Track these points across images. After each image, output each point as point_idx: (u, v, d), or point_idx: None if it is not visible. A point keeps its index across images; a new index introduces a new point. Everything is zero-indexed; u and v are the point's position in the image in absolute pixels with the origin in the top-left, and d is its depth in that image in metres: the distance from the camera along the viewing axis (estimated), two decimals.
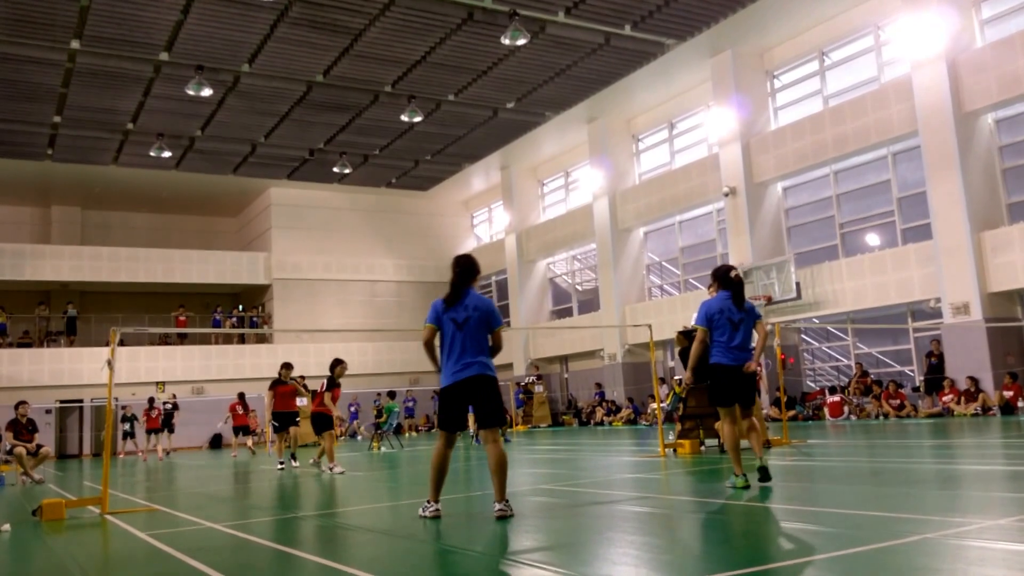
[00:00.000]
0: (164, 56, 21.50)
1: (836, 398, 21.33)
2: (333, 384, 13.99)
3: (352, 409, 32.37)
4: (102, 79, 22.65)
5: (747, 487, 7.17)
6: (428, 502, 6.60)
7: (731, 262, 24.57)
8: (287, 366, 16.05)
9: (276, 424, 15.79)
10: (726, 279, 7.69)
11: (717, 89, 25.08)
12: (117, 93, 23.71)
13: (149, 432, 24.52)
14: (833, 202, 23.28)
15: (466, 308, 6.46)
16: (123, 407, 27.14)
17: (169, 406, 25.48)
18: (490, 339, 6.55)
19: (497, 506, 6.39)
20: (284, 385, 15.76)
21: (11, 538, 7.21)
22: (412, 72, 23.31)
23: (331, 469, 12.94)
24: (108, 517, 8.33)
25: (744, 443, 8.81)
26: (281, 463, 15.10)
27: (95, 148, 28.29)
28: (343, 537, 6.50)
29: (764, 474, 7.28)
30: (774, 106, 25.12)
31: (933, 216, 19.79)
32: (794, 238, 24.59)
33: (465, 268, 6.60)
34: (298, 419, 15.96)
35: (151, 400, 25.35)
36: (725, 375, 7.46)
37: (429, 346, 6.62)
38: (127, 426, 26.37)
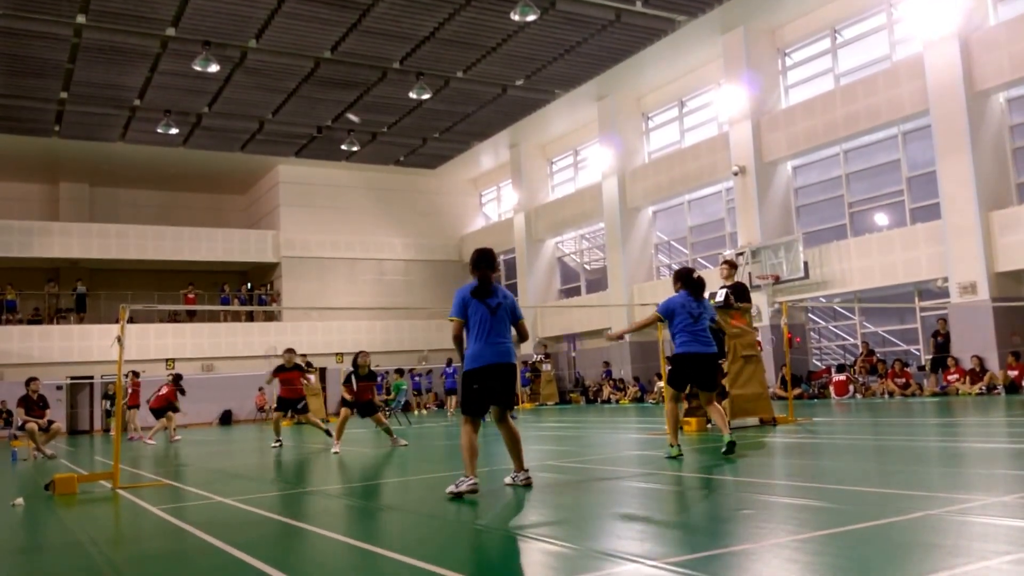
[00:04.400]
0: (171, 31, 21.47)
1: (842, 377, 21.35)
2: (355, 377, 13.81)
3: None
4: (109, 54, 22.64)
5: (680, 456, 8.29)
6: (465, 478, 6.50)
7: (739, 241, 24.57)
8: (290, 351, 15.97)
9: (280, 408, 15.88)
10: (688, 280, 8.65)
11: (728, 67, 24.94)
12: (124, 69, 23.69)
13: (130, 408, 21.94)
14: (842, 181, 23.19)
15: (496, 295, 6.77)
16: (106, 384, 26.79)
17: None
18: (514, 330, 6.90)
19: (521, 475, 6.89)
20: (287, 371, 15.64)
21: (24, 512, 7.30)
22: (420, 48, 23.23)
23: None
24: (120, 491, 8.42)
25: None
26: (278, 441, 14.95)
27: (102, 124, 28.31)
28: (351, 511, 6.56)
29: (730, 448, 8.22)
30: (785, 84, 24.97)
31: (942, 196, 19.71)
32: (803, 217, 24.51)
33: (491, 259, 6.87)
34: (303, 403, 15.94)
35: (134, 374, 22.66)
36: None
37: (459, 340, 6.80)
38: (108, 404, 26.07)
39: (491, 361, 6.63)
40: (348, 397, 13.60)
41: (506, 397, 6.82)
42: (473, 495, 6.40)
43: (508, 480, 6.99)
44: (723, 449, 8.21)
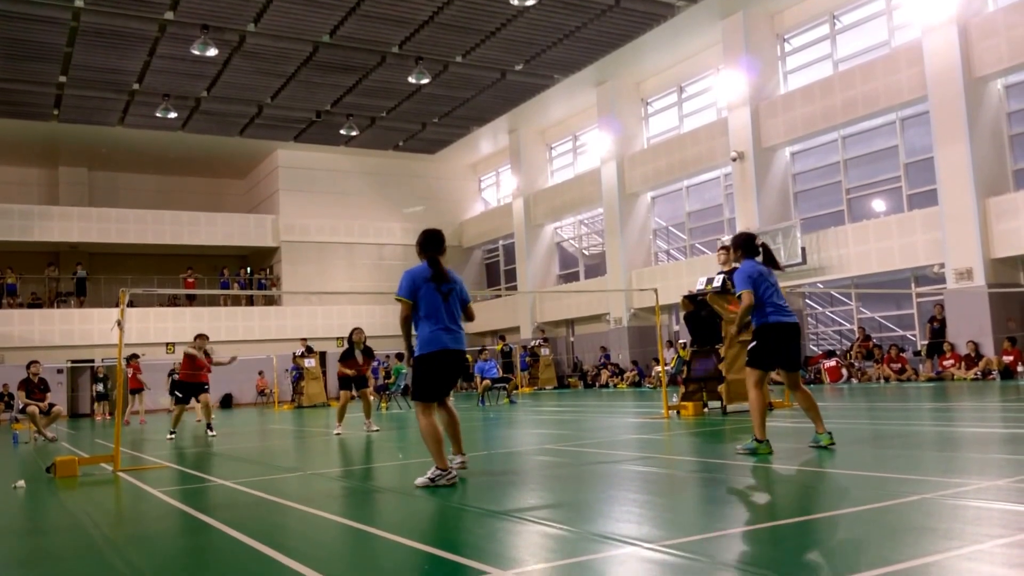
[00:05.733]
0: (169, 15, 21.40)
1: (832, 362, 21.46)
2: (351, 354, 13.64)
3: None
4: (107, 38, 22.58)
5: (771, 453, 7.05)
6: (440, 471, 6.25)
7: (738, 227, 24.57)
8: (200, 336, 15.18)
9: (179, 395, 15.12)
10: (751, 246, 7.44)
11: (727, 52, 24.89)
12: (122, 53, 23.63)
13: (132, 392, 21.78)
14: (840, 167, 23.20)
15: (448, 280, 6.55)
16: (97, 368, 26.79)
17: (176, 376, 25.19)
18: (463, 312, 6.67)
19: (458, 459, 6.83)
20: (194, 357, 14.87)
21: (26, 494, 7.36)
22: (419, 33, 23.17)
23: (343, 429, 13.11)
24: (120, 474, 8.48)
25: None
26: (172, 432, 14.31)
27: (101, 108, 28.26)
28: (348, 493, 6.62)
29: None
30: (784, 70, 24.94)
31: (939, 182, 19.73)
32: (801, 203, 24.53)
33: (439, 242, 6.65)
34: (207, 387, 15.07)
35: (133, 357, 22.16)
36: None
37: (408, 322, 6.54)
38: (100, 387, 26.03)
39: (447, 347, 6.43)
40: (350, 373, 13.38)
41: (452, 384, 6.71)
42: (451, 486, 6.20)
43: (456, 464, 6.76)
44: (822, 443, 7.14)
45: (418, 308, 6.45)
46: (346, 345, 13.57)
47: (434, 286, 6.45)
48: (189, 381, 14.85)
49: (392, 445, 10.86)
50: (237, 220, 35.52)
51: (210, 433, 14.09)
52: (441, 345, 6.41)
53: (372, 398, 14.05)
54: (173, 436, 14.05)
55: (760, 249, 7.37)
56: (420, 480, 6.27)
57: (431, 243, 6.59)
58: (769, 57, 24.69)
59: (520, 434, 11.36)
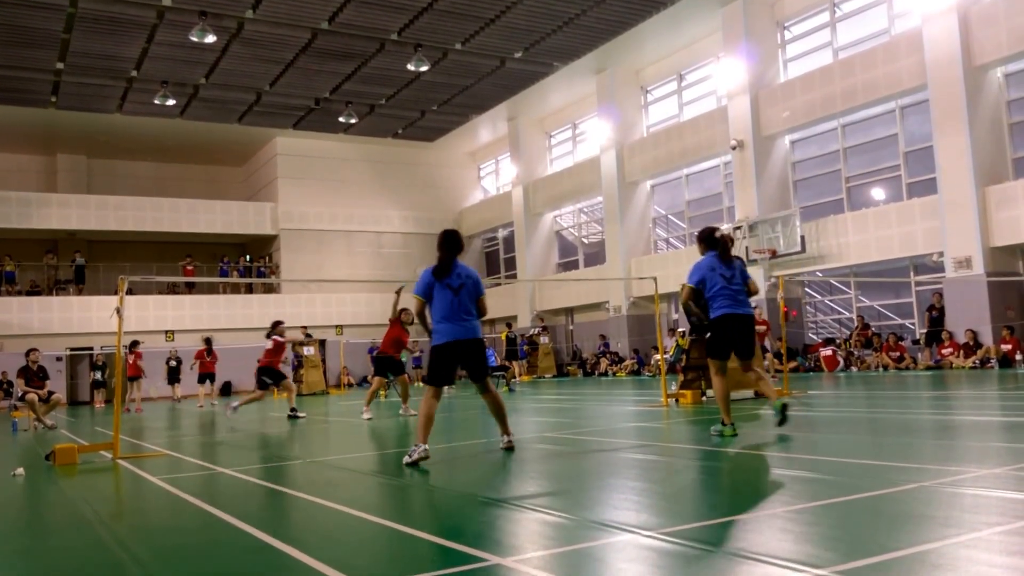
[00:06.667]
0: (167, 1, 21.31)
1: (829, 351, 21.51)
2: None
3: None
4: (105, 24, 22.49)
5: (735, 435, 7.53)
6: (417, 445, 6.88)
7: (737, 215, 24.58)
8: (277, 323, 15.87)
9: (268, 380, 15.49)
10: (711, 240, 7.98)
11: (727, 40, 24.83)
12: (120, 39, 23.55)
13: (131, 379, 21.92)
14: (840, 156, 23.18)
15: (459, 276, 7.17)
16: (96, 356, 26.91)
17: (174, 363, 25.31)
18: (476, 306, 7.27)
19: (505, 438, 7.46)
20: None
21: (25, 482, 7.37)
22: (419, 20, 23.09)
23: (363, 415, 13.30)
24: (120, 462, 8.49)
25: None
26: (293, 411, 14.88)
27: (99, 95, 28.17)
28: (348, 480, 6.63)
29: (783, 414, 7.58)
30: (784, 58, 24.87)
31: (939, 170, 19.72)
32: (800, 192, 24.51)
33: (455, 242, 7.29)
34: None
35: (133, 343, 22.32)
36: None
37: (423, 316, 7.30)
38: (98, 375, 26.11)
39: (457, 337, 7.06)
40: (392, 341, 13.63)
41: (479, 371, 7.24)
42: (425, 461, 6.78)
43: (504, 443, 7.45)
44: (776, 419, 7.55)
45: (432, 304, 7.15)
46: (396, 316, 13.76)
47: (444, 283, 7.10)
48: (275, 368, 15.45)
49: (393, 433, 10.88)
50: (236, 208, 35.48)
51: (300, 415, 14.39)
52: (452, 336, 7.06)
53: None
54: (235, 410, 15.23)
55: (720, 242, 7.89)
56: (406, 459, 6.88)
57: (446, 243, 7.27)
58: (769, 45, 24.63)
59: (519, 422, 11.37)
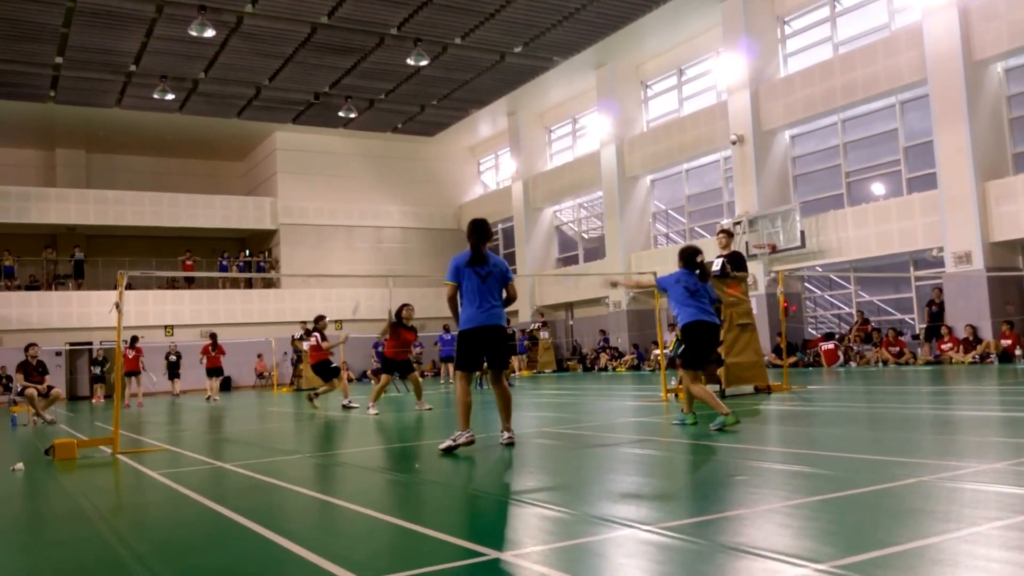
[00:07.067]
0: None
1: (830, 345, 21.50)
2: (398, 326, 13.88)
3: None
4: (104, 18, 22.46)
5: (738, 421, 7.82)
6: (460, 432, 7.20)
7: (737, 210, 24.57)
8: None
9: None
10: (690, 261, 8.40)
11: (727, 34, 24.79)
12: (119, 33, 23.52)
13: (128, 375, 21.66)
14: (840, 151, 23.16)
15: (488, 264, 7.37)
16: (94, 351, 26.95)
17: (173, 358, 25.33)
18: (505, 292, 7.50)
19: (506, 434, 7.50)
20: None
21: (25, 477, 7.36)
22: (418, 14, 23.05)
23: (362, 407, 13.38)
24: (120, 457, 8.49)
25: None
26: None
27: (98, 90, 28.15)
28: (349, 476, 6.64)
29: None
30: (784, 53, 24.84)
31: (939, 165, 19.71)
32: (800, 187, 24.50)
33: (484, 230, 7.45)
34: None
35: (133, 339, 22.48)
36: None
37: (454, 301, 7.47)
38: (97, 370, 26.14)
39: (482, 323, 7.28)
40: (403, 356, 13.71)
41: (498, 359, 7.48)
42: (470, 446, 7.13)
43: (504, 439, 7.50)
44: (712, 426, 7.74)
45: (461, 291, 7.37)
46: (394, 319, 13.75)
47: (472, 269, 7.30)
48: (396, 358, 15.20)
49: (392, 428, 10.88)
50: (235, 203, 35.46)
51: (353, 406, 14.58)
52: (477, 323, 7.29)
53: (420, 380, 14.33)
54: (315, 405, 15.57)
55: (700, 267, 8.35)
56: (443, 444, 7.17)
57: (475, 231, 7.39)
58: (769, 40, 24.59)
59: (519, 417, 11.36)
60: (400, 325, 13.78)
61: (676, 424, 8.37)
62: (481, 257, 7.35)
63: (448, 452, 7.05)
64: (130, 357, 21.77)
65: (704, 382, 8.54)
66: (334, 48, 25.33)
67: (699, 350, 8.18)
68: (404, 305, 13.86)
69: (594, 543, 3.74)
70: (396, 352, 13.78)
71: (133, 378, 22.07)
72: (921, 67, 20.08)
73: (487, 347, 7.36)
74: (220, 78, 27.51)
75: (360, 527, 4.55)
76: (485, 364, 7.46)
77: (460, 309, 7.43)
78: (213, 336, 23.47)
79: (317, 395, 16.06)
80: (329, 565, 3.53)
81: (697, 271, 8.33)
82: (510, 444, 7.39)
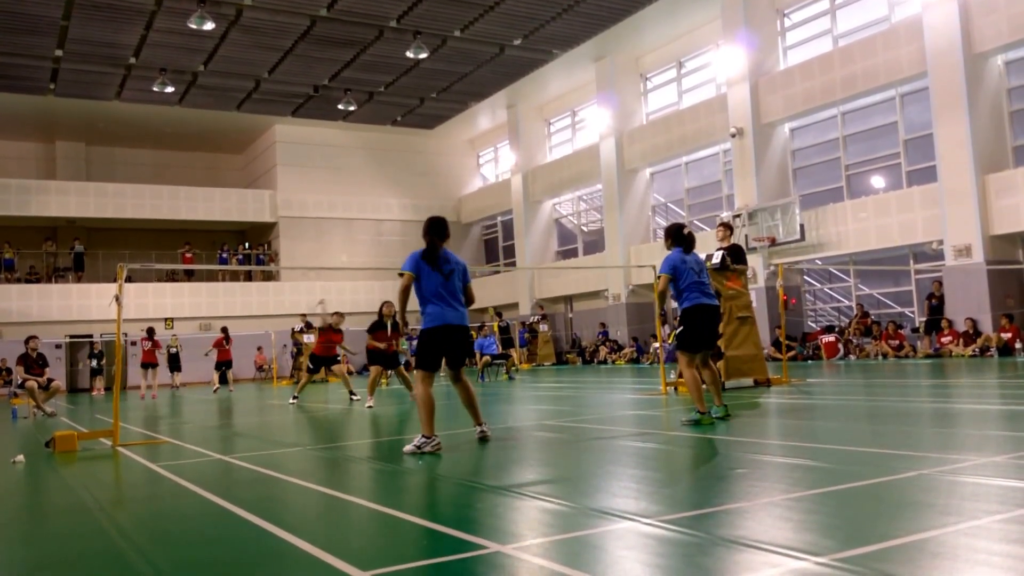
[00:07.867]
0: None
1: (831, 338, 21.51)
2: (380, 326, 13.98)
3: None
4: (103, 11, 22.43)
5: (712, 424, 7.74)
6: (425, 437, 6.83)
7: (736, 203, 24.56)
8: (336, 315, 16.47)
9: (311, 366, 16.29)
10: (679, 236, 8.29)
11: (726, 27, 24.75)
12: (119, 26, 23.49)
13: (144, 367, 22.26)
14: (840, 144, 23.14)
15: (448, 262, 7.12)
16: (94, 343, 27.02)
17: (174, 350, 25.38)
18: (464, 294, 7.24)
19: (479, 429, 7.38)
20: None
21: (25, 469, 7.37)
22: (418, 6, 23.01)
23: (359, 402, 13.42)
24: (120, 449, 8.50)
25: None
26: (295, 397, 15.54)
27: (98, 83, 28.11)
28: (348, 468, 6.64)
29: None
30: (783, 45, 24.81)
31: (939, 158, 19.69)
32: (800, 180, 24.49)
33: (443, 229, 7.18)
34: (339, 359, 16.39)
35: (150, 331, 22.93)
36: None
37: (406, 293, 7.12)
38: (94, 363, 26.17)
39: (448, 322, 7.03)
40: (382, 346, 13.73)
41: (459, 359, 7.26)
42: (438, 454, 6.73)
43: (478, 433, 7.39)
44: (717, 415, 7.96)
45: (421, 287, 7.04)
46: (376, 318, 13.93)
47: (433, 266, 7.02)
48: (324, 354, 15.85)
49: (391, 420, 10.89)
50: (235, 195, 35.44)
51: (355, 398, 14.54)
52: (443, 321, 7.00)
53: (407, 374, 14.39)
54: (296, 401, 15.32)
55: (687, 239, 8.25)
56: (407, 448, 6.87)
57: (433, 228, 7.14)
58: (769, 32, 24.55)
59: (518, 410, 11.39)
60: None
61: (716, 418, 7.96)
62: (437, 254, 7.06)
63: (413, 454, 6.72)
64: (147, 349, 22.11)
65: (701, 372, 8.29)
66: (333, 41, 25.29)
67: (697, 333, 8.04)
68: (385, 302, 14.00)
69: (594, 536, 3.75)
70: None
71: (149, 370, 22.33)
72: (921, 60, 20.05)
73: (451, 347, 7.12)
74: (220, 71, 27.48)
75: (360, 520, 4.56)
76: (444, 363, 7.22)
77: (421, 306, 7.07)
78: (224, 329, 23.57)
79: (298, 394, 15.91)
80: (329, 558, 3.53)
81: (686, 244, 8.22)
82: (484, 438, 7.29)
